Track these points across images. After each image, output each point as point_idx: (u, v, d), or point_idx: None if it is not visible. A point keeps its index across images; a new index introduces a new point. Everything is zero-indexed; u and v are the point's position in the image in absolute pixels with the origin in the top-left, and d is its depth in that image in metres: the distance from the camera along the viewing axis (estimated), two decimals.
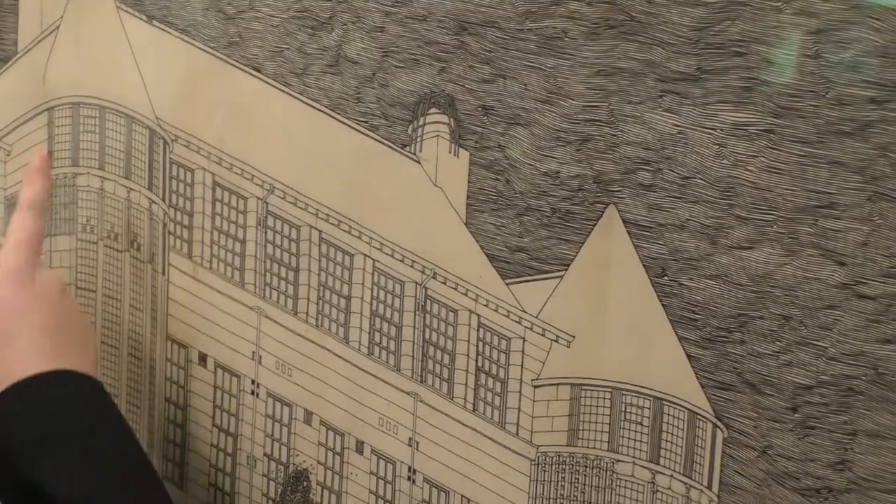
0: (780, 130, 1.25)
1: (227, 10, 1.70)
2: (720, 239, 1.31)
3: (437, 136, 1.51)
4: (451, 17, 1.48)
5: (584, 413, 1.43)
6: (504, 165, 1.45)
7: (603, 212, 1.39)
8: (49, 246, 1.91)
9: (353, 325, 1.62)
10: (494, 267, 1.48)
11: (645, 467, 1.40)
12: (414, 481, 1.58)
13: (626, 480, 1.41)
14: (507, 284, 1.48)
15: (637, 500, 1.41)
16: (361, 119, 1.58)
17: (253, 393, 1.74)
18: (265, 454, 1.73)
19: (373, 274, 1.59)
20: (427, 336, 1.55)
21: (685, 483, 1.38)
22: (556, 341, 1.44)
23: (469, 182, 1.49)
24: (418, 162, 1.54)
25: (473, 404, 1.52)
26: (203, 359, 1.79)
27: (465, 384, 1.52)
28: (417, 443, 1.58)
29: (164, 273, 1.81)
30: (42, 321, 1.58)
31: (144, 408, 1.87)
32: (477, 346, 1.51)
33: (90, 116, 1.87)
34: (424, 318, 1.55)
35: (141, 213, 1.83)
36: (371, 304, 1.60)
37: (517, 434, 1.48)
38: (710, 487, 1.35)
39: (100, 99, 1.86)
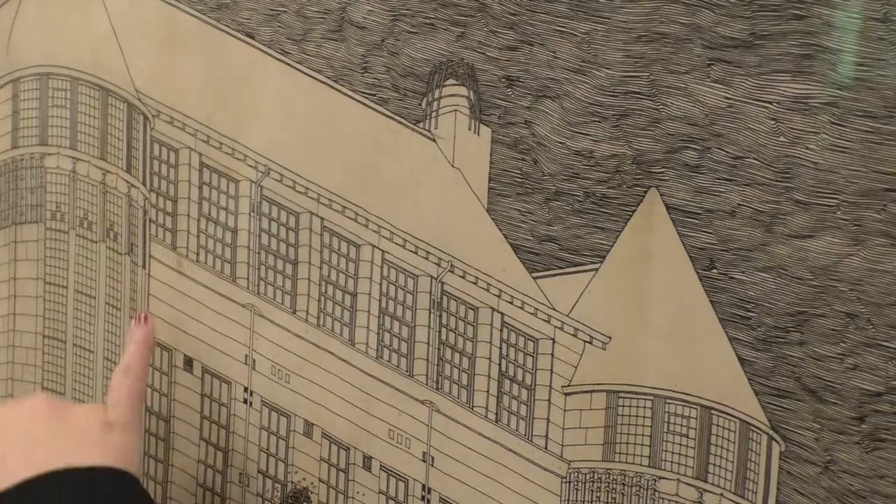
0: (845, 104, 1.25)
1: None
2: (776, 226, 1.31)
3: (455, 110, 1.51)
4: None
5: (621, 424, 1.44)
6: (531, 144, 1.46)
7: (643, 196, 1.39)
8: (14, 236, 1.92)
9: (360, 324, 1.62)
10: (520, 259, 1.49)
11: (691, 485, 1.41)
12: (429, 501, 1.59)
13: (669, 500, 1.42)
14: (535, 278, 1.48)
15: None
16: (369, 92, 1.58)
17: (245, 402, 1.74)
18: (260, 471, 1.74)
19: (382, 267, 1.60)
20: (444, 337, 1.56)
21: (737, 503, 1.38)
22: (590, 343, 1.45)
23: (491, 163, 1.49)
24: (434, 140, 1.54)
25: (496, 414, 1.53)
26: (189, 363, 1.79)
27: (487, 391, 1.53)
28: (433, 458, 1.58)
29: (144, 266, 1.82)
30: None
31: None
32: (500, 349, 1.52)
33: (60, 89, 1.87)
34: (441, 316, 1.56)
35: (118, 199, 1.84)
36: (380, 301, 1.60)
37: (546, 448, 1.49)
38: None
39: (71, 69, 1.86)
